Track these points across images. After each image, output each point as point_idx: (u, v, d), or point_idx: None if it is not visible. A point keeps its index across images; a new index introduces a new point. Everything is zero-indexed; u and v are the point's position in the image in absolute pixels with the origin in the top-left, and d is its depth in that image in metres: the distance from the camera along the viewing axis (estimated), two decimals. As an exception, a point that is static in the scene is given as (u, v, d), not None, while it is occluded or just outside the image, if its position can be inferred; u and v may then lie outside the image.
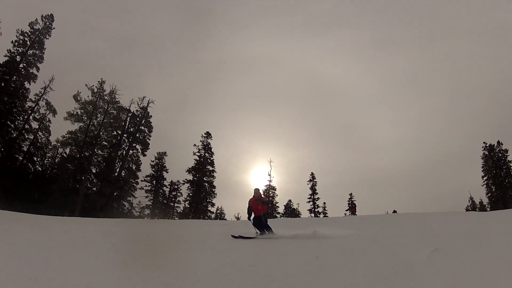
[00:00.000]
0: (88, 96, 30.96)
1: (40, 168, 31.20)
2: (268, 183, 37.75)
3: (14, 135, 29.67)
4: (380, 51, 71.08)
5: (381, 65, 71.28)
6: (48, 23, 30.93)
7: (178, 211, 34.71)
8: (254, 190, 10.63)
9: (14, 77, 29.61)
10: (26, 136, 30.22)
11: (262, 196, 11.12)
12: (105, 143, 31.12)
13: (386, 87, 67.05)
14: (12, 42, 30.11)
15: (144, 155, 32.30)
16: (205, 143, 34.66)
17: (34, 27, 30.64)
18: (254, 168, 54.12)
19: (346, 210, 41.12)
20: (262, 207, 10.32)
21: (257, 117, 70.95)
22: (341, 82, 70.38)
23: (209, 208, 34.88)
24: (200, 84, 67.08)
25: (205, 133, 35.08)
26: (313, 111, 71.32)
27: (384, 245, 6.81)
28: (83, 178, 29.87)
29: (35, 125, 30.46)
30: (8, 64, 29.76)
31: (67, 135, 30.35)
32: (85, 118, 30.64)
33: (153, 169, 33.80)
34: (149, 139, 32.10)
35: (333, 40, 74.94)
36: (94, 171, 30.57)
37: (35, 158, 30.92)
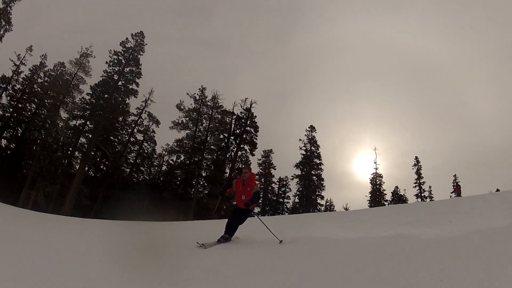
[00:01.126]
0: (191, 104, 30.42)
1: (147, 177, 30.55)
2: (375, 171, 35.83)
3: (118, 148, 29.38)
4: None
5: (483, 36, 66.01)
6: (139, 40, 30.91)
7: (288, 206, 33.15)
8: (244, 169, 7.21)
9: (115, 94, 29.29)
10: (132, 148, 29.91)
11: (256, 182, 7.15)
12: (213, 147, 30.10)
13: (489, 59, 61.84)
14: (106, 62, 30.08)
15: (253, 155, 31.14)
16: (310, 137, 33.39)
17: (126, 45, 30.64)
18: (357, 156, 51.25)
19: (451, 193, 38.65)
20: (246, 195, 6.72)
21: (356, 102, 66.18)
22: (441, 58, 66.12)
23: (318, 201, 33.12)
24: (292, 76, 64.49)
25: (309, 127, 33.91)
26: (413, 92, 66.99)
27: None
28: (193, 182, 28.89)
29: (139, 136, 30.19)
30: (105, 83, 29.57)
31: (174, 143, 29.71)
32: (191, 125, 29.88)
33: (261, 167, 32.55)
34: (256, 139, 31.01)
35: (429, 16, 70.62)
36: (204, 174, 29.48)
37: (141, 168, 30.52)
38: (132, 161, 30.49)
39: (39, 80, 30.90)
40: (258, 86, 54.31)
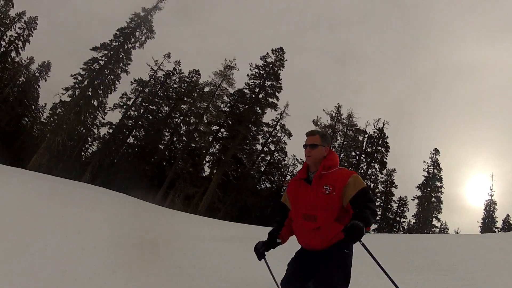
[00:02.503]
0: (327, 121, 31.22)
1: (274, 186, 31.78)
2: (489, 198, 35.85)
3: (253, 156, 30.73)
4: None
5: None
6: (279, 55, 31.86)
7: (404, 226, 33.58)
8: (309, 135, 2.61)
9: (256, 107, 30.36)
10: (264, 157, 31.20)
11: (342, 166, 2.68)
12: (345, 164, 30.77)
13: None
14: (248, 75, 31.19)
15: (382, 174, 31.70)
16: (433, 159, 33.76)
17: (267, 60, 31.65)
18: (470, 181, 50.92)
19: None
20: (322, 203, 2.40)
21: (475, 126, 66.06)
22: None
23: (433, 223, 33.44)
24: (414, 94, 64.57)
25: (433, 150, 34.20)
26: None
27: None
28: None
29: (271, 146, 31.45)
30: (243, 94, 30.71)
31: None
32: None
33: (383, 185, 33.00)
34: (386, 159, 31.55)
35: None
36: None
37: (270, 177, 31.71)
38: (262, 170, 31.51)
39: (175, 86, 32.29)
40: (379, 102, 54.86)
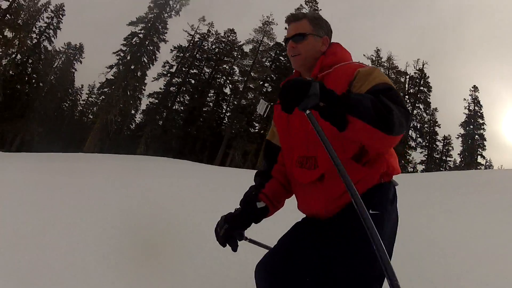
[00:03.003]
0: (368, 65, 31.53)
1: None
2: None
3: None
4: None
5: None
6: (312, 5, 31.91)
7: (449, 165, 34.20)
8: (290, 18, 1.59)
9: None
10: None
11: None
12: (392, 107, 31.32)
13: None
14: (285, 28, 31.33)
15: (427, 114, 32.17)
16: (473, 97, 34.13)
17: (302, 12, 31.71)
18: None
19: None
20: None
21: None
22: None
23: (478, 161, 34.05)
24: (446, 31, 62.42)
25: (472, 87, 34.48)
26: None
27: None
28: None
29: None
30: (284, 48, 30.81)
31: None
32: (370, 86, 31.17)
33: (426, 125, 33.49)
34: (429, 98, 31.99)
35: None
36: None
37: None
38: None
39: (213, 47, 32.48)
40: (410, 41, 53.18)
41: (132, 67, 29.11)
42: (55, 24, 32.21)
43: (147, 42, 29.44)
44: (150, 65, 29.66)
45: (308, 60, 1.52)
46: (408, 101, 31.72)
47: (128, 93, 29.35)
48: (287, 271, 1.39)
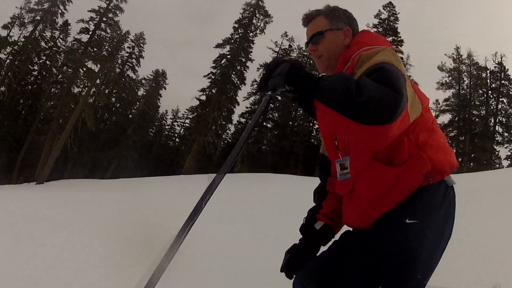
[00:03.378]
0: (450, 64, 32.23)
1: None
2: None
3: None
4: None
5: None
6: (391, 10, 32.44)
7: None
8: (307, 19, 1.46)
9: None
10: None
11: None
12: (477, 102, 31.91)
13: None
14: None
15: (511, 107, 32.82)
16: None
17: (381, 17, 32.29)
18: None
19: None
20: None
21: None
22: None
23: None
24: None
25: None
26: None
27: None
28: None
29: None
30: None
31: (443, 103, 31.78)
32: (454, 83, 31.78)
33: (510, 118, 34.08)
34: (512, 91, 32.66)
35: None
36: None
37: None
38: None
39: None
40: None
41: (225, 88, 29.58)
42: (137, 53, 32.58)
43: (235, 63, 29.88)
44: (242, 85, 30.11)
45: (333, 60, 1.38)
46: (491, 96, 32.32)
47: (223, 114, 29.80)
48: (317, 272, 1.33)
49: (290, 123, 32.02)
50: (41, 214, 5.64)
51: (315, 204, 1.49)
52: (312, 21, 1.42)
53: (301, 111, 32.64)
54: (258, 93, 31.33)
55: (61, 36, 34.41)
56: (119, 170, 30.60)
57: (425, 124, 1.21)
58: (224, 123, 30.67)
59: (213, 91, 29.60)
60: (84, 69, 31.47)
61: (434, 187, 1.17)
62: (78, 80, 31.01)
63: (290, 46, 32.91)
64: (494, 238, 3.65)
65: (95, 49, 31.14)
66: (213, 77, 29.47)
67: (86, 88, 31.21)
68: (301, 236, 1.45)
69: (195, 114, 29.93)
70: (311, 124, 32.35)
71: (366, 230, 1.22)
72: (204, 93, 29.65)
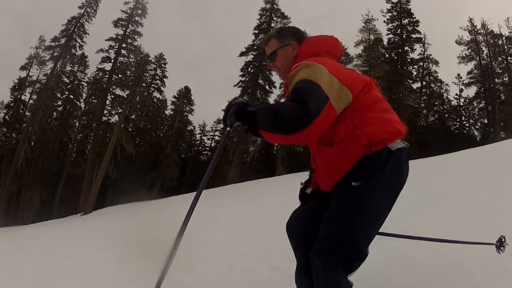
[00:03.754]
0: (467, 36, 32.87)
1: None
2: None
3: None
4: None
5: None
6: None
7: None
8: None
9: (406, 46, 31.75)
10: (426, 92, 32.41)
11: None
12: (498, 70, 32.48)
13: None
14: (384, 22, 32.24)
15: None
16: None
17: (393, 1, 32.92)
18: None
19: None
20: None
21: None
22: None
23: None
24: None
25: None
26: None
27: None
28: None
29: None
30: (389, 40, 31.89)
31: (467, 76, 32.33)
32: (474, 55, 32.43)
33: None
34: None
35: None
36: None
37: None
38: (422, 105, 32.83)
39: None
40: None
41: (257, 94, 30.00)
42: (160, 74, 32.88)
43: (262, 69, 30.33)
44: (272, 88, 30.55)
45: (287, 69, 1.76)
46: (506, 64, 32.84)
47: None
48: (299, 229, 1.79)
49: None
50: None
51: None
52: (267, 44, 1.85)
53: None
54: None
55: (80, 69, 34.57)
56: (163, 189, 30.82)
57: (362, 105, 1.57)
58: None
59: (246, 98, 29.99)
60: (112, 96, 31.80)
61: (375, 154, 1.53)
62: (109, 108, 31.22)
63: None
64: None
65: (120, 76, 31.42)
66: (243, 85, 29.86)
67: (119, 115, 31.48)
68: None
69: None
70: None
71: (329, 193, 1.64)
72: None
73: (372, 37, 31.45)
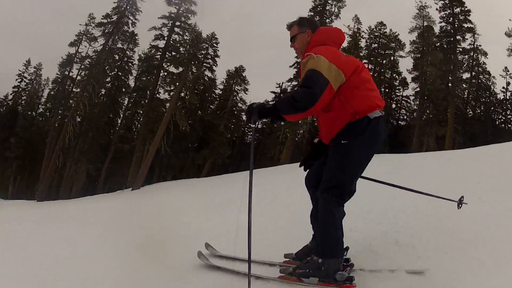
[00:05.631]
0: None
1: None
2: None
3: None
4: None
5: None
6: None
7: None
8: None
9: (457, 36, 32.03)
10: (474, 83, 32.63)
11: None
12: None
13: None
14: (437, 9, 32.55)
15: None
16: None
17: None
18: None
19: None
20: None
21: None
22: None
23: None
24: None
25: None
26: None
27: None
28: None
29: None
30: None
31: None
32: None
33: None
34: None
35: None
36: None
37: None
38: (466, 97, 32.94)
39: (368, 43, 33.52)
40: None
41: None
42: (211, 53, 33.08)
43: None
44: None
45: (302, 51, 2.51)
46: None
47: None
48: (313, 183, 2.56)
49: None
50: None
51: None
52: (290, 29, 2.57)
53: (385, 90, 33.25)
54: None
55: (130, 47, 34.72)
56: (214, 168, 30.95)
57: (352, 84, 2.29)
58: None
59: (299, 79, 30.20)
60: (165, 73, 31.97)
61: (358, 121, 2.27)
62: (162, 85, 31.37)
63: (358, 29, 33.64)
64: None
65: (173, 53, 31.59)
66: (298, 66, 30.05)
67: (171, 92, 31.67)
68: None
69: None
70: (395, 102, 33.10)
71: (328, 146, 2.44)
72: (291, 83, 30.28)
73: (425, 23, 31.72)
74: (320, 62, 2.20)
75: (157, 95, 31.82)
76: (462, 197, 2.92)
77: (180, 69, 30.82)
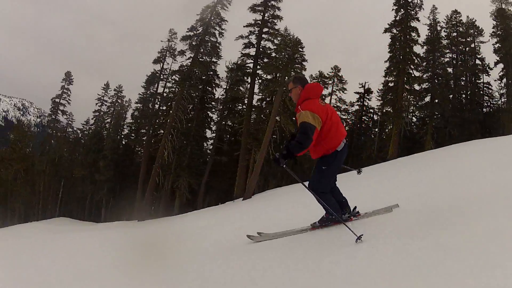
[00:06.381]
0: None
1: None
2: None
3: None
4: None
5: None
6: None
7: None
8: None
9: None
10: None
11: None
12: None
13: None
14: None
15: None
16: None
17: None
18: None
19: None
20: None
21: None
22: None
23: None
24: None
25: None
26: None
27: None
28: None
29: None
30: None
31: None
32: None
33: None
34: None
35: None
36: None
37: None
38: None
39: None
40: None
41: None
42: (299, 58, 33.57)
43: (409, 43, 31.46)
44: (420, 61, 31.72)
45: (296, 101, 3.81)
46: None
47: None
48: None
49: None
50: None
51: None
52: (288, 83, 3.85)
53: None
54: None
55: (213, 59, 34.79)
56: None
57: (326, 128, 3.62)
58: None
59: (394, 74, 31.02)
60: (260, 80, 32.28)
61: (331, 154, 3.70)
62: (258, 92, 31.62)
63: (434, 19, 34.59)
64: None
65: (266, 60, 31.96)
66: (394, 60, 30.89)
67: (268, 97, 31.97)
68: None
69: (386, 99, 31.26)
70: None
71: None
72: (387, 78, 31.11)
73: (504, 6, 33.00)
74: (308, 115, 3.50)
75: (256, 102, 32.10)
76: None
77: (278, 74, 31.13)
